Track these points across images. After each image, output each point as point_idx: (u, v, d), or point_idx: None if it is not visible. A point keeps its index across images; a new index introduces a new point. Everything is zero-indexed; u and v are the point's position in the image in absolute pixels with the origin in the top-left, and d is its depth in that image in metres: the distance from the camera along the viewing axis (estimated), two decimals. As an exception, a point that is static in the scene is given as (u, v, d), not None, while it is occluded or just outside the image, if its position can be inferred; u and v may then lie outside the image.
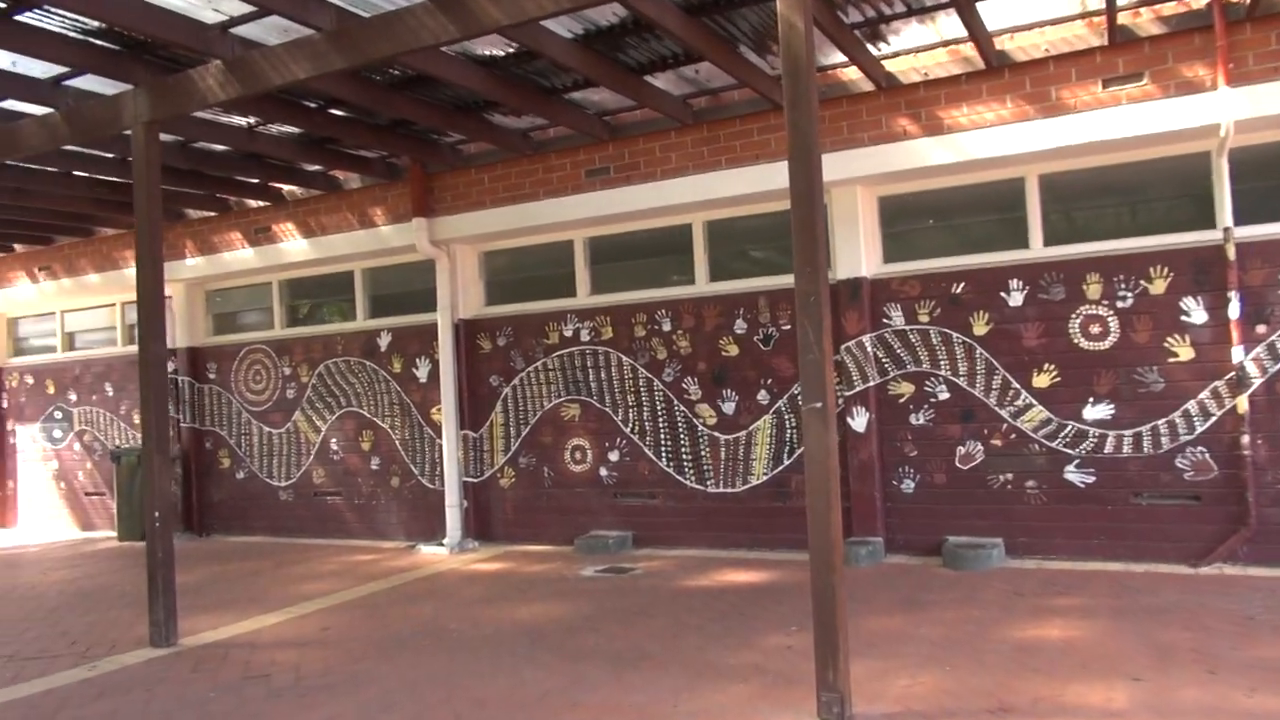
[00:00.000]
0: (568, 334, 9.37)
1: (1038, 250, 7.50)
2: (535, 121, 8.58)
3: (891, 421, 7.94)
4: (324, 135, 8.60)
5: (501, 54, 6.93)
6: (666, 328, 8.87)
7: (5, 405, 13.48)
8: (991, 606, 6.14)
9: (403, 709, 4.82)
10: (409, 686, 5.18)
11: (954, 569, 7.29)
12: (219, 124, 8.11)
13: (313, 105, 7.80)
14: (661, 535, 8.89)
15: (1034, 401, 7.43)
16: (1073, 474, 7.32)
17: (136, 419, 11.94)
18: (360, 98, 7.24)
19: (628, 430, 9.05)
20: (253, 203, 10.66)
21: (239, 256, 10.86)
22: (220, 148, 8.87)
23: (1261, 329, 6.76)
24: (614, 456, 9.13)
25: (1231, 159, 6.79)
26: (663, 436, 8.89)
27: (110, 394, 12.36)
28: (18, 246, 12.50)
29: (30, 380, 13.23)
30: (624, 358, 9.07)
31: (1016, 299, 7.51)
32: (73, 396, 12.76)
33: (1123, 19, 6.74)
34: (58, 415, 12.93)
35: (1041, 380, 7.42)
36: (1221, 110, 6.51)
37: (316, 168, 9.79)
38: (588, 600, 7.01)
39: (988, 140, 7.23)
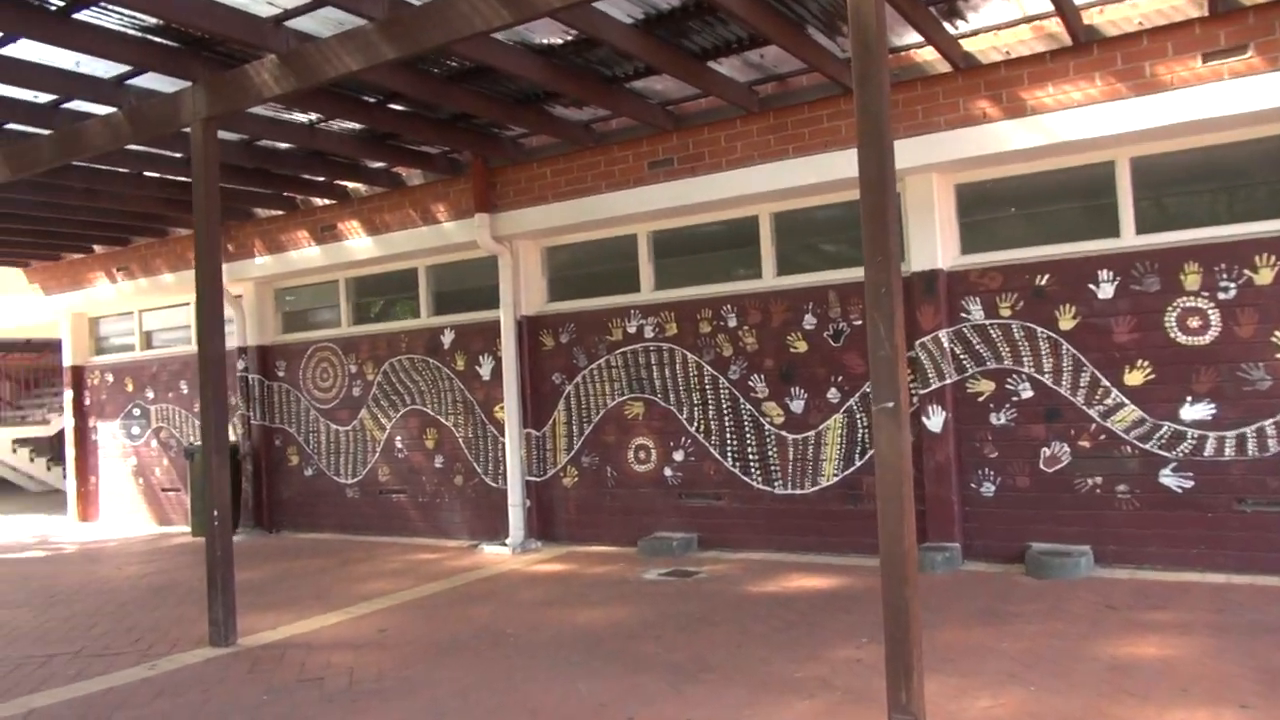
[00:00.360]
0: (631, 330, 9.15)
1: (1129, 239, 7.02)
2: (597, 113, 8.38)
3: (970, 421, 7.53)
4: (385, 131, 8.54)
5: (560, 42, 6.75)
6: (732, 323, 8.59)
7: (87, 403, 13.87)
8: (1080, 620, 5.73)
9: (453, 718, 4.66)
10: (461, 693, 5.02)
11: (1038, 578, 6.87)
12: (281, 121, 8.11)
13: (372, 100, 7.73)
14: (727, 537, 8.62)
15: (1125, 400, 6.96)
16: (1169, 478, 6.83)
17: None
18: (419, 91, 7.14)
19: (692, 429, 8.80)
20: (318, 201, 10.69)
21: (306, 255, 10.92)
22: (284, 146, 8.89)
23: (1383, 321, 6.20)
24: (678, 456, 8.89)
25: (1348, 136, 6.24)
26: (729, 436, 8.62)
27: (185, 392, 12.58)
28: (97, 248, 12.81)
29: (110, 378, 13.57)
30: (689, 354, 8.82)
31: (1106, 291, 7.04)
32: (150, 394, 13.04)
33: (1224, -13, 6.25)
34: (136, 412, 13.23)
35: (1134, 378, 6.94)
36: (1337, 83, 5.97)
37: (379, 164, 9.77)
38: (649, 605, 6.79)
39: (1075, 122, 6.78)
